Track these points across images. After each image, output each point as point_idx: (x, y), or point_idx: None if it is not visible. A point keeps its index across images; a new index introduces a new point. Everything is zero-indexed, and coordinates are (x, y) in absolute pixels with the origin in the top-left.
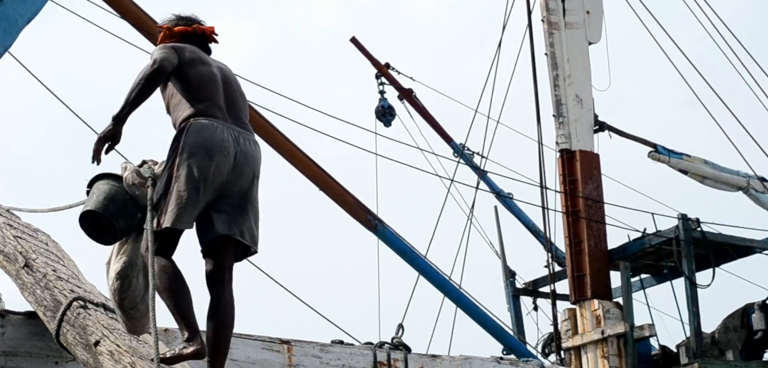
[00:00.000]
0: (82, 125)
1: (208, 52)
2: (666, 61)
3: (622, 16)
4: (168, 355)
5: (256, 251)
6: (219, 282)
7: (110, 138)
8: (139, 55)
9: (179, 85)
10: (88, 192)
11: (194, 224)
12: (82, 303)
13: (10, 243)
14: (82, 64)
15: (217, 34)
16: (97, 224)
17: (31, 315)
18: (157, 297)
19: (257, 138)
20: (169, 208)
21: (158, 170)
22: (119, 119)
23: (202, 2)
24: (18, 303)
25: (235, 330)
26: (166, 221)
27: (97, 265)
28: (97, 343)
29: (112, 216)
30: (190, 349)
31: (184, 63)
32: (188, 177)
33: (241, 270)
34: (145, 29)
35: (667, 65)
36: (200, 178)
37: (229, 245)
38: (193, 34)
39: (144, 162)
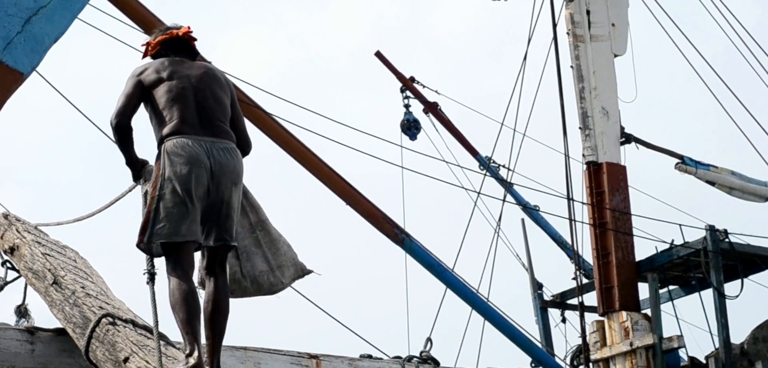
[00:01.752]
0: (108, 142)
1: (193, 52)
2: (692, 72)
3: (647, 28)
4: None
5: (234, 245)
6: (213, 273)
7: (137, 173)
8: None
9: (150, 108)
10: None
11: (198, 234)
12: (111, 319)
13: (39, 261)
14: (109, 82)
15: (192, 34)
16: None
17: (60, 332)
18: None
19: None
20: (161, 225)
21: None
22: (129, 164)
23: (227, 22)
24: (47, 319)
25: (264, 346)
26: (164, 237)
27: (125, 281)
28: (126, 360)
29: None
30: (190, 363)
31: (149, 86)
32: (173, 192)
33: None
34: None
35: (692, 76)
36: (184, 191)
37: (219, 247)
38: (172, 41)
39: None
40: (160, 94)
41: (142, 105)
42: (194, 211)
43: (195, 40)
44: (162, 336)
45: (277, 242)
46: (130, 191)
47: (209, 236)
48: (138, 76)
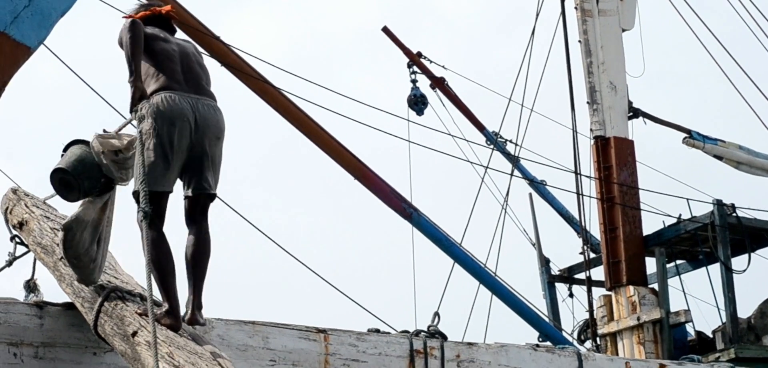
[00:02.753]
0: (117, 116)
1: (172, 30)
2: (699, 46)
3: (655, 3)
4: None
5: (215, 194)
6: (195, 221)
7: (140, 92)
8: None
9: (146, 59)
10: (63, 154)
11: (173, 185)
12: (119, 293)
13: (48, 235)
14: (117, 57)
15: (172, 12)
16: (65, 182)
17: (69, 307)
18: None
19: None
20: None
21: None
22: (135, 79)
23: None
24: (56, 294)
25: (272, 319)
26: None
27: (133, 256)
28: (134, 334)
29: (78, 176)
30: (167, 321)
31: (148, 38)
32: (156, 146)
33: (279, 262)
34: (181, 21)
35: (701, 51)
36: (167, 144)
37: (200, 195)
38: (153, 17)
39: (105, 131)
40: (157, 49)
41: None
42: (174, 163)
43: (175, 19)
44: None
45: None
46: (126, 123)
47: (189, 185)
48: (136, 22)
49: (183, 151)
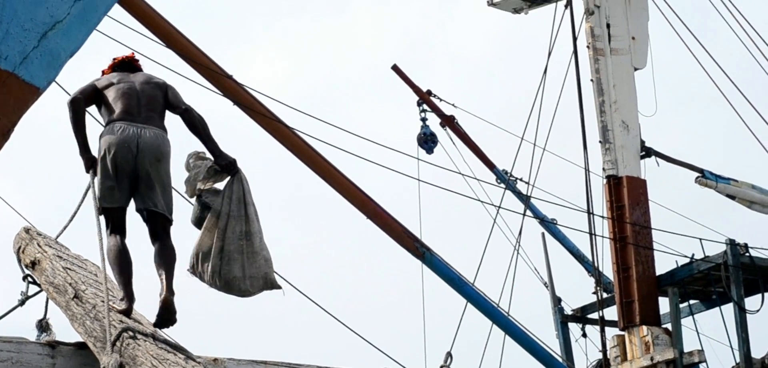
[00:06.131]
0: None
1: (135, 69)
2: (713, 86)
3: (667, 42)
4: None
5: (168, 218)
6: (156, 235)
7: (88, 162)
8: (186, 84)
9: (103, 107)
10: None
11: (126, 202)
12: (131, 333)
13: (60, 275)
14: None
15: (132, 57)
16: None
17: (81, 346)
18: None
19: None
20: (98, 194)
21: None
22: (80, 152)
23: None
24: (68, 333)
25: (284, 360)
26: (98, 203)
27: (145, 295)
28: None
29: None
30: (123, 306)
31: (101, 88)
32: (102, 168)
33: (289, 301)
34: (191, 59)
35: (713, 89)
36: (111, 166)
37: (153, 212)
38: (119, 64)
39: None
40: (110, 93)
41: (95, 107)
42: (120, 183)
43: (137, 61)
44: (183, 350)
45: (257, 255)
46: (88, 189)
47: (138, 202)
48: (93, 81)
49: (129, 172)
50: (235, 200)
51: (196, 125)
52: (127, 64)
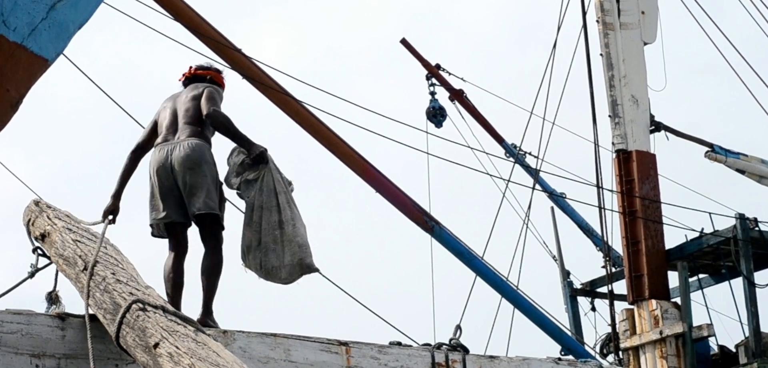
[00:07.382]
0: (136, 126)
1: (200, 78)
2: (722, 60)
3: (677, 16)
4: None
5: (213, 215)
6: (204, 240)
7: (108, 211)
8: (192, 56)
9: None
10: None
11: (175, 215)
12: (141, 305)
13: (70, 247)
14: (136, 67)
15: (191, 72)
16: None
17: (91, 318)
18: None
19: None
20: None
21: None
22: (112, 194)
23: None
24: (78, 306)
25: (294, 332)
26: (150, 221)
27: (154, 268)
28: (156, 345)
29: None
30: None
31: (155, 120)
32: (150, 189)
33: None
34: (198, 31)
35: (723, 64)
36: (151, 186)
37: (197, 216)
38: (187, 78)
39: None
40: (158, 119)
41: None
42: (165, 199)
43: (189, 74)
44: (192, 322)
45: (290, 243)
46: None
47: (187, 214)
48: (151, 119)
49: (169, 188)
50: (266, 191)
51: (219, 126)
52: (191, 77)
